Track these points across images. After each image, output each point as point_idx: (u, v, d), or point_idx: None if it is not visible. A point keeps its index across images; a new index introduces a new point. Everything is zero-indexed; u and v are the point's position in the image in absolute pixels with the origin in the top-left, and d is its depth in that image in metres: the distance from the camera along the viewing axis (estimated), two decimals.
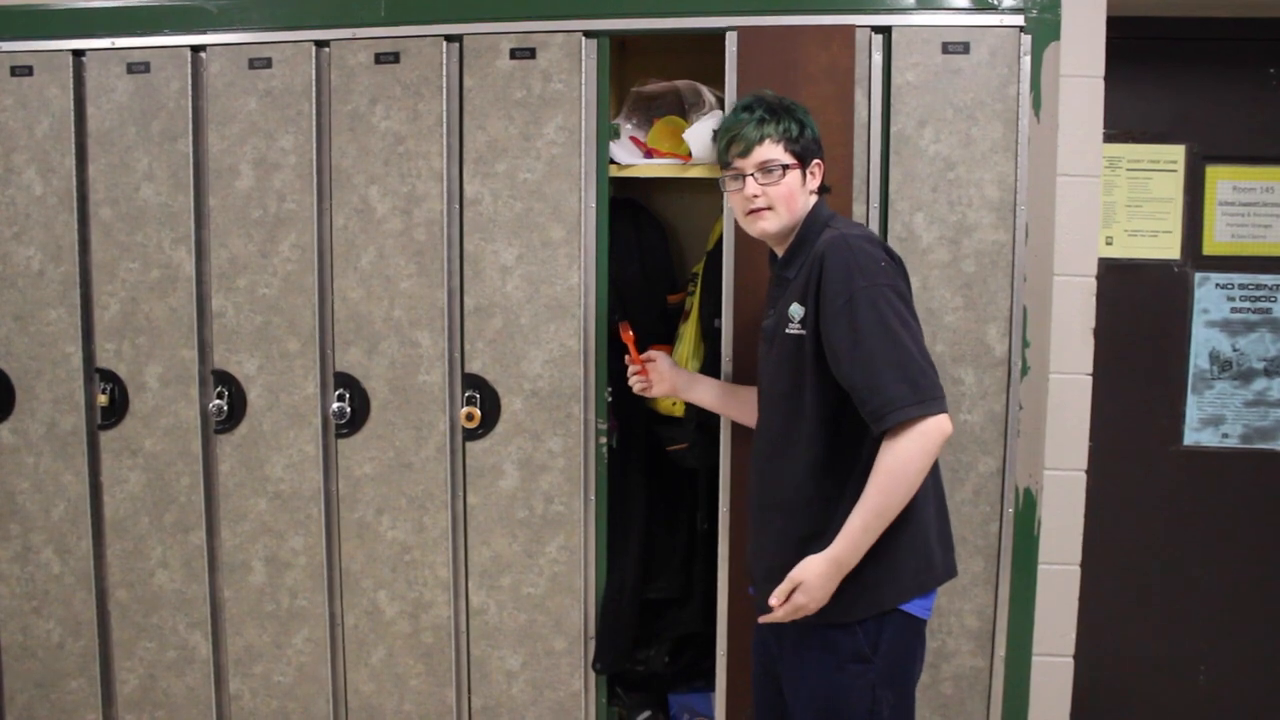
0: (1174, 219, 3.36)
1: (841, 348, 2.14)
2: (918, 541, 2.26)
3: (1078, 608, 3.04)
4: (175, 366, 3.20)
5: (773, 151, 2.32)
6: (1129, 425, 3.38)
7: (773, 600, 2.25)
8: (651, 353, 2.86)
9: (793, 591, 2.22)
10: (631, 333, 2.88)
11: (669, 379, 2.82)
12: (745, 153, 2.33)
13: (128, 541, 3.29)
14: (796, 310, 2.24)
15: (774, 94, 2.41)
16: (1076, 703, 3.08)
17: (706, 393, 2.82)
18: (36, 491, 3.31)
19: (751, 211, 2.35)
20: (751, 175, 2.33)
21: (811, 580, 2.20)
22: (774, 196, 2.32)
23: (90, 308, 3.25)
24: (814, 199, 2.38)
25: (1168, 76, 3.34)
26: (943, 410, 2.12)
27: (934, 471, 2.30)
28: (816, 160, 2.37)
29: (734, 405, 2.78)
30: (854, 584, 2.22)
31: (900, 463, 2.12)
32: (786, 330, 2.26)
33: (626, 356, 2.87)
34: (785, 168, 2.32)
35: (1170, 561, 3.41)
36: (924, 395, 2.10)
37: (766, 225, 2.35)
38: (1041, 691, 3.01)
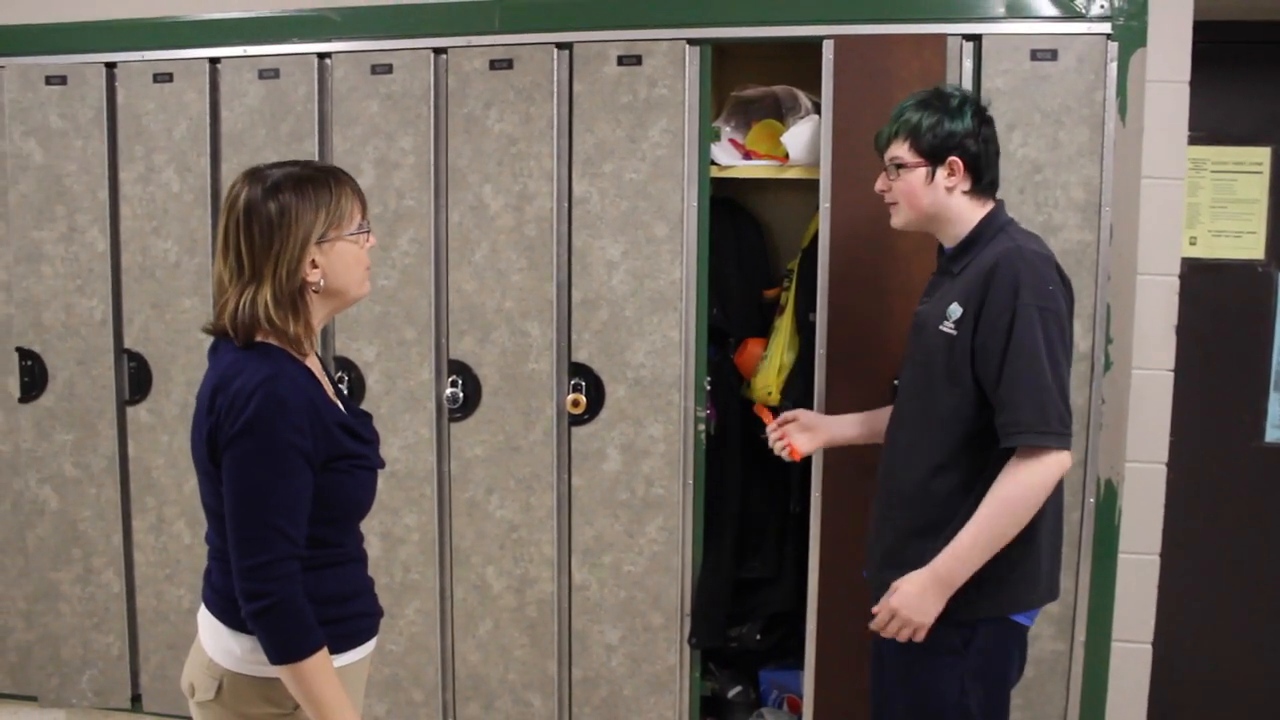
0: (1259, 219, 3.39)
1: (992, 358, 2.19)
2: (1028, 563, 2.28)
3: (1157, 596, 3.09)
4: None
5: (898, 150, 2.37)
6: (1211, 421, 3.42)
7: (877, 619, 2.31)
8: (794, 412, 2.76)
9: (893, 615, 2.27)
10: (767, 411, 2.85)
11: (819, 432, 2.72)
12: (881, 149, 2.42)
13: None
14: (955, 310, 2.26)
15: (951, 88, 2.42)
16: (1154, 689, 3.13)
17: (852, 429, 2.76)
18: (170, 467, 3.55)
19: (890, 204, 2.44)
20: (885, 171, 2.41)
21: (906, 593, 2.24)
22: (897, 192, 2.39)
23: None
24: (961, 196, 2.35)
25: (1254, 80, 3.37)
26: (1064, 447, 2.15)
27: (1056, 497, 2.30)
28: (953, 157, 2.31)
29: (879, 428, 2.66)
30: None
31: (1018, 492, 2.16)
32: (940, 326, 2.28)
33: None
34: (900, 167, 2.36)
35: (1251, 555, 3.45)
36: (1049, 427, 2.13)
37: (894, 220, 2.43)
38: (1120, 676, 3.08)
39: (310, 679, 1.84)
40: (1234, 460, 3.45)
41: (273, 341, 1.92)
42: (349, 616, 2.00)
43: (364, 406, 3.28)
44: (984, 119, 2.36)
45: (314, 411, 1.88)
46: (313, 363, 2.02)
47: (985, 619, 2.28)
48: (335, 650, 1.93)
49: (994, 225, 2.34)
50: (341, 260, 1.94)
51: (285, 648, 1.83)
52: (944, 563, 2.21)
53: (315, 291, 1.94)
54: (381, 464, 2.11)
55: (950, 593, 2.22)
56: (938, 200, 2.34)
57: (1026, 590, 2.31)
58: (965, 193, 2.35)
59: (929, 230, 2.43)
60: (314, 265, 1.91)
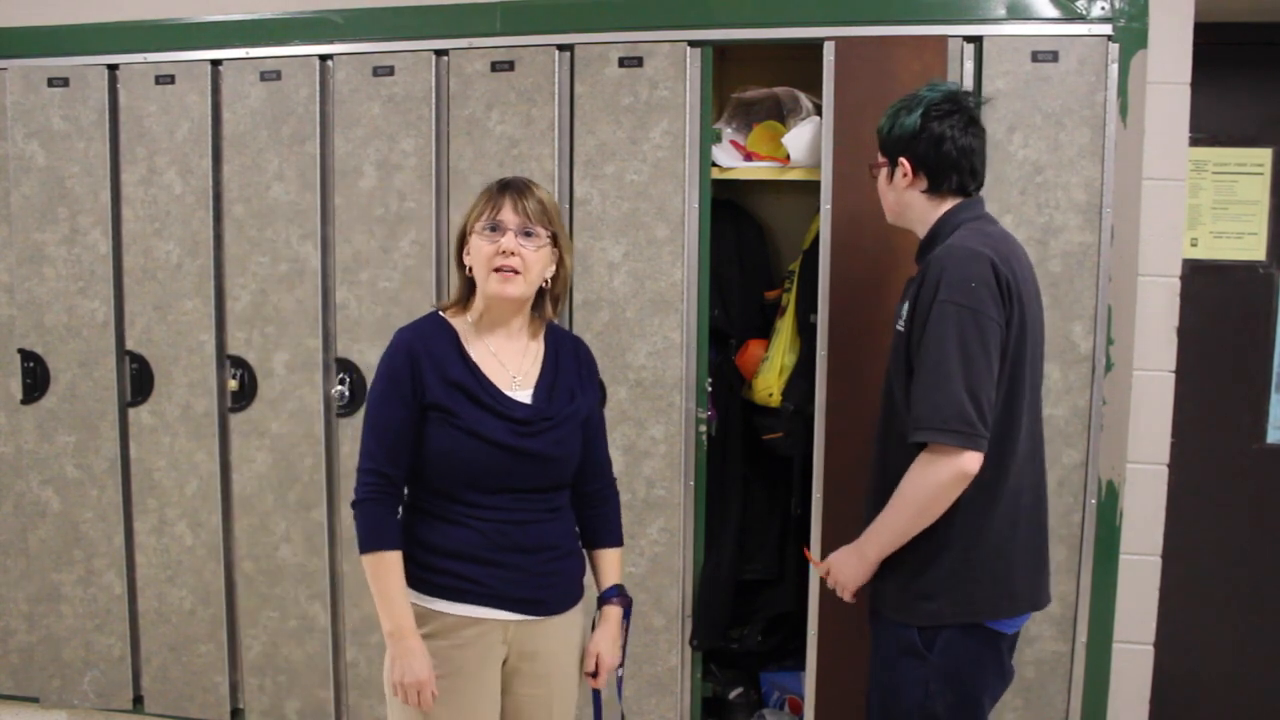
0: (1260, 221, 3.39)
1: (914, 354, 2.21)
2: (997, 569, 2.25)
3: (1158, 597, 3.09)
4: (301, 354, 3.42)
5: (879, 152, 2.45)
6: (1212, 422, 3.43)
7: (822, 564, 2.49)
8: (829, 559, 2.49)
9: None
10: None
11: (857, 567, 2.39)
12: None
13: (254, 517, 3.52)
14: (904, 308, 2.29)
15: (930, 87, 2.40)
16: (1156, 690, 3.13)
17: None
18: (172, 469, 3.56)
19: None
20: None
21: (836, 561, 2.42)
22: (879, 192, 2.48)
23: (223, 299, 3.49)
24: (919, 196, 2.37)
25: (1256, 81, 3.38)
26: (966, 446, 2.10)
27: (1023, 499, 2.28)
28: (902, 157, 2.35)
29: None
30: (909, 590, 2.28)
31: (913, 487, 2.19)
32: (896, 325, 2.32)
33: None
34: (871, 167, 2.47)
35: (1252, 555, 3.46)
36: (946, 425, 2.10)
37: (886, 217, 2.50)
38: (1122, 677, 3.08)
39: (370, 573, 2.21)
40: (1235, 461, 3.46)
41: (450, 314, 2.33)
42: (444, 571, 2.23)
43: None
44: (936, 118, 2.32)
45: (415, 358, 2.21)
46: (487, 338, 2.29)
47: (950, 625, 2.25)
48: (428, 592, 2.23)
49: (949, 224, 2.34)
50: (473, 252, 2.25)
51: (359, 539, 2.21)
52: (864, 539, 2.34)
53: (469, 277, 2.29)
54: (502, 440, 2.22)
55: (870, 565, 2.34)
56: (900, 199, 2.42)
57: (996, 598, 2.27)
58: (923, 192, 2.37)
59: (906, 227, 2.47)
60: (468, 254, 2.27)
